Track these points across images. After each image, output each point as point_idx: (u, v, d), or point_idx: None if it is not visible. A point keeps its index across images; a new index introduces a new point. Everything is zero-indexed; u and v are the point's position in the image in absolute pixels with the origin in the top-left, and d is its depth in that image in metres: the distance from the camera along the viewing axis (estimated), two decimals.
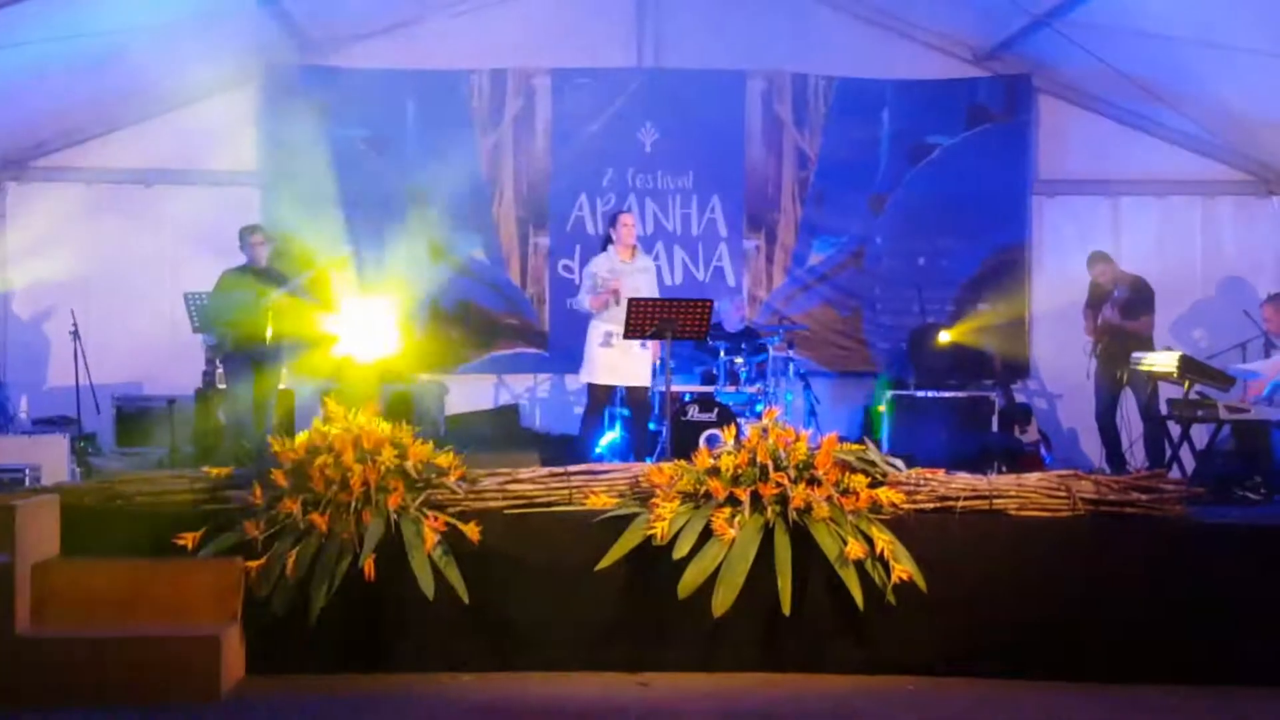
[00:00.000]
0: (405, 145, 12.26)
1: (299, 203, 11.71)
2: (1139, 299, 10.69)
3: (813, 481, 6.27)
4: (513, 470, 6.69)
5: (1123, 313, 10.64)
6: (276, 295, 9.59)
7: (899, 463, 6.66)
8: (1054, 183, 12.58)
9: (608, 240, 9.98)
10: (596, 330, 9.77)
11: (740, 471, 6.32)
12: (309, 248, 11.18)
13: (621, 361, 9.64)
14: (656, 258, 12.19)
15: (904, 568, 6.07)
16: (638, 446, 9.94)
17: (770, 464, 6.29)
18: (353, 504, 6.15)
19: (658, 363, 10.18)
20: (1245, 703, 6.03)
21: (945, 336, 11.93)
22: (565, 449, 10.17)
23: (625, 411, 10.19)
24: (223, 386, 10.57)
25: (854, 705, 5.92)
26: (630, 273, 9.72)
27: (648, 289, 9.64)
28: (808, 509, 6.16)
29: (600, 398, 9.87)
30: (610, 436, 10.39)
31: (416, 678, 6.19)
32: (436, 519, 6.17)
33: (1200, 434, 9.86)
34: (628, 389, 9.82)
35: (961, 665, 6.32)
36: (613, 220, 10.00)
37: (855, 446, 6.58)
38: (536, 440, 11.52)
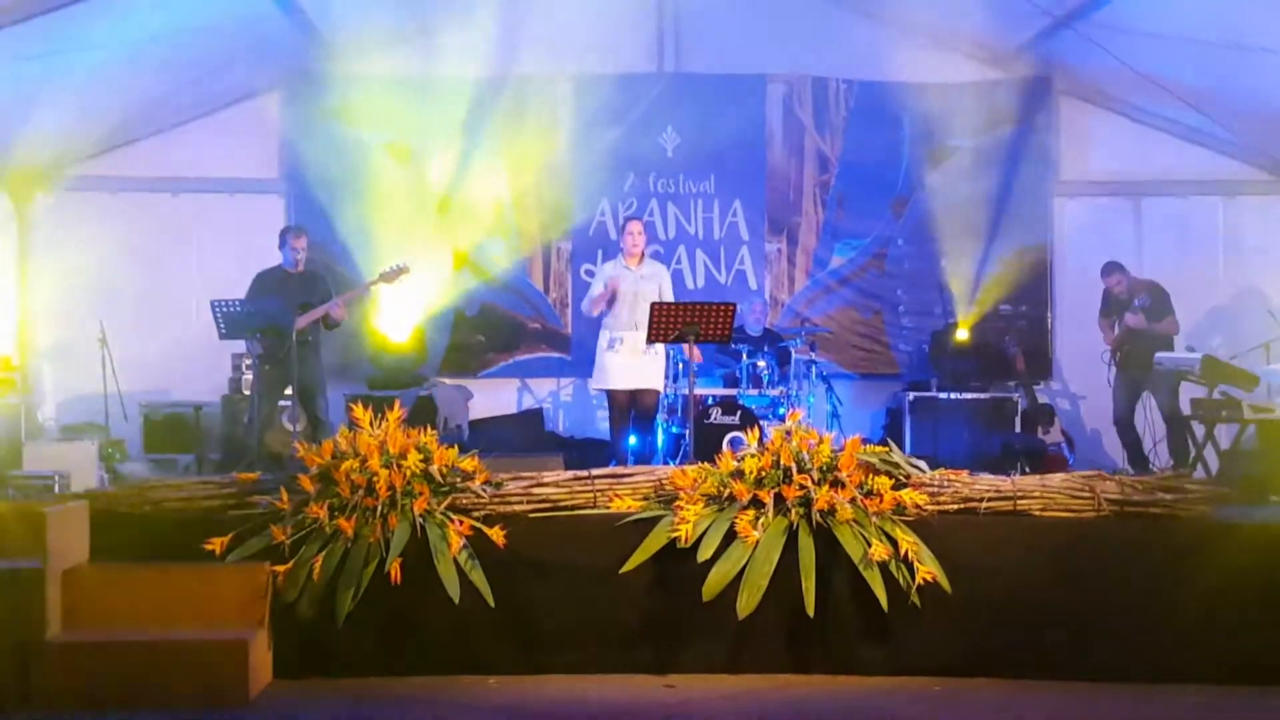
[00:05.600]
0: (427, 151, 12.28)
1: (322, 209, 11.80)
2: (1161, 302, 10.67)
3: (836, 483, 6.29)
4: (537, 474, 6.72)
5: (1148, 316, 10.60)
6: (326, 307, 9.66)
7: (922, 464, 6.67)
8: (1075, 184, 12.55)
9: None
10: (603, 336, 9.77)
11: (764, 474, 6.35)
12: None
13: (629, 365, 9.60)
14: (678, 262, 12.24)
15: (928, 569, 6.09)
16: (649, 450, 9.89)
17: (794, 466, 6.32)
18: (379, 508, 6.20)
19: (681, 366, 10.19)
20: (1275, 701, 6.03)
21: (964, 337, 11.95)
22: (589, 452, 10.18)
23: (633, 414, 10.11)
24: (249, 392, 10.62)
25: (880, 706, 5.94)
26: (632, 279, 9.68)
27: (651, 297, 9.42)
28: (831, 511, 6.19)
29: (617, 402, 9.83)
30: (632, 440, 10.37)
31: (443, 681, 6.23)
32: (462, 523, 6.21)
33: (1224, 434, 9.84)
34: (637, 391, 9.74)
35: (987, 666, 6.33)
36: (623, 226, 9.99)
37: (878, 448, 6.60)
38: (560, 444, 11.56)
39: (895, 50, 12.30)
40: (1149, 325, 10.56)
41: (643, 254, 9.76)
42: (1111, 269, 10.98)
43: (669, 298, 9.64)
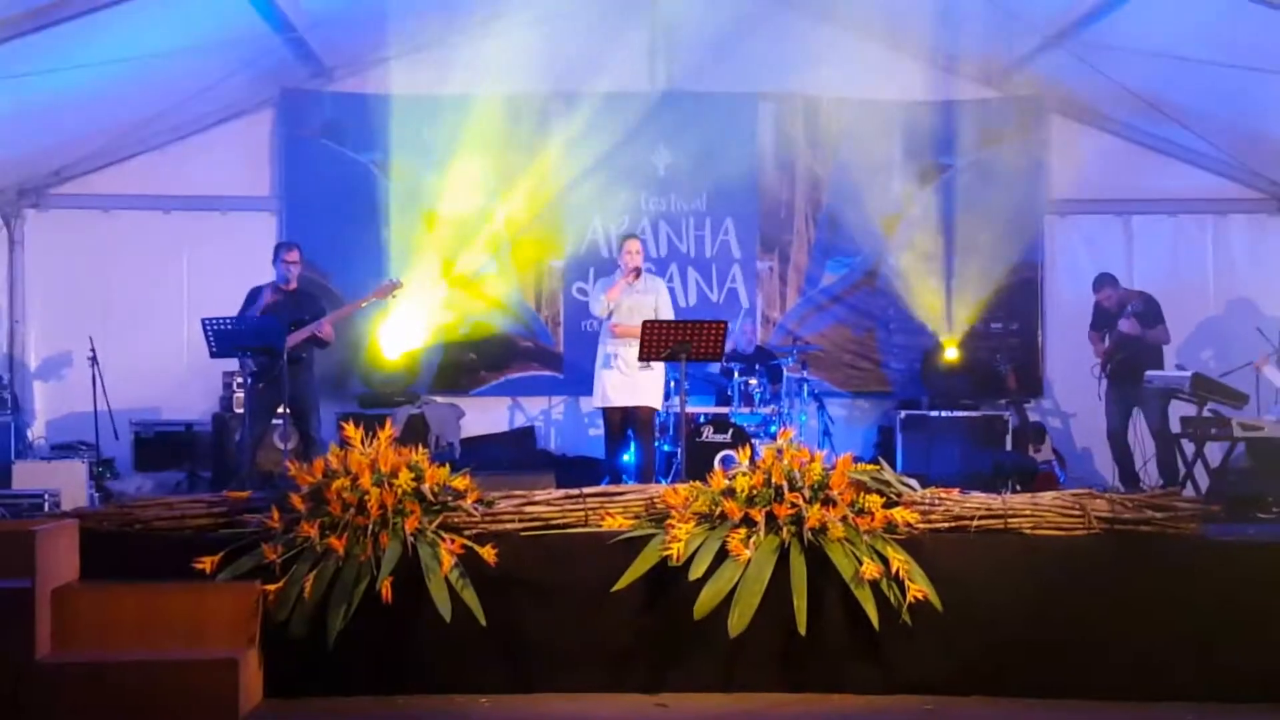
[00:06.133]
0: (420, 169, 12.29)
1: (314, 227, 11.80)
2: (1153, 309, 10.70)
3: (828, 502, 6.29)
4: (528, 492, 6.71)
5: (1142, 322, 10.62)
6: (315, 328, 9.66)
7: (913, 482, 6.67)
8: (1066, 202, 12.60)
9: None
10: (600, 353, 9.75)
11: (755, 492, 6.34)
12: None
13: (625, 382, 9.58)
14: (670, 280, 12.21)
15: (919, 587, 6.08)
16: (644, 467, 9.84)
17: (785, 485, 6.31)
18: (370, 527, 6.17)
19: (673, 385, 10.16)
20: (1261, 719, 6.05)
21: (955, 355, 11.98)
22: (581, 471, 10.16)
23: (629, 431, 10.07)
24: (240, 410, 10.60)
25: None
26: (629, 293, 9.65)
27: (643, 314, 9.37)
28: (823, 529, 6.18)
29: (612, 419, 9.80)
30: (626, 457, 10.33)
31: (434, 700, 6.20)
32: (453, 541, 6.19)
33: (1213, 452, 9.85)
34: (634, 409, 9.70)
35: (978, 684, 6.32)
36: (620, 244, 9.93)
37: (870, 466, 6.60)
38: (552, 462, 11.55)
39: (887, 68, 12.34)
40: (1143, 332, 10.57)
41: (640, 270, 9.71)
42: (1103, 283, 11.00)
43: (667, 314, 9.61)
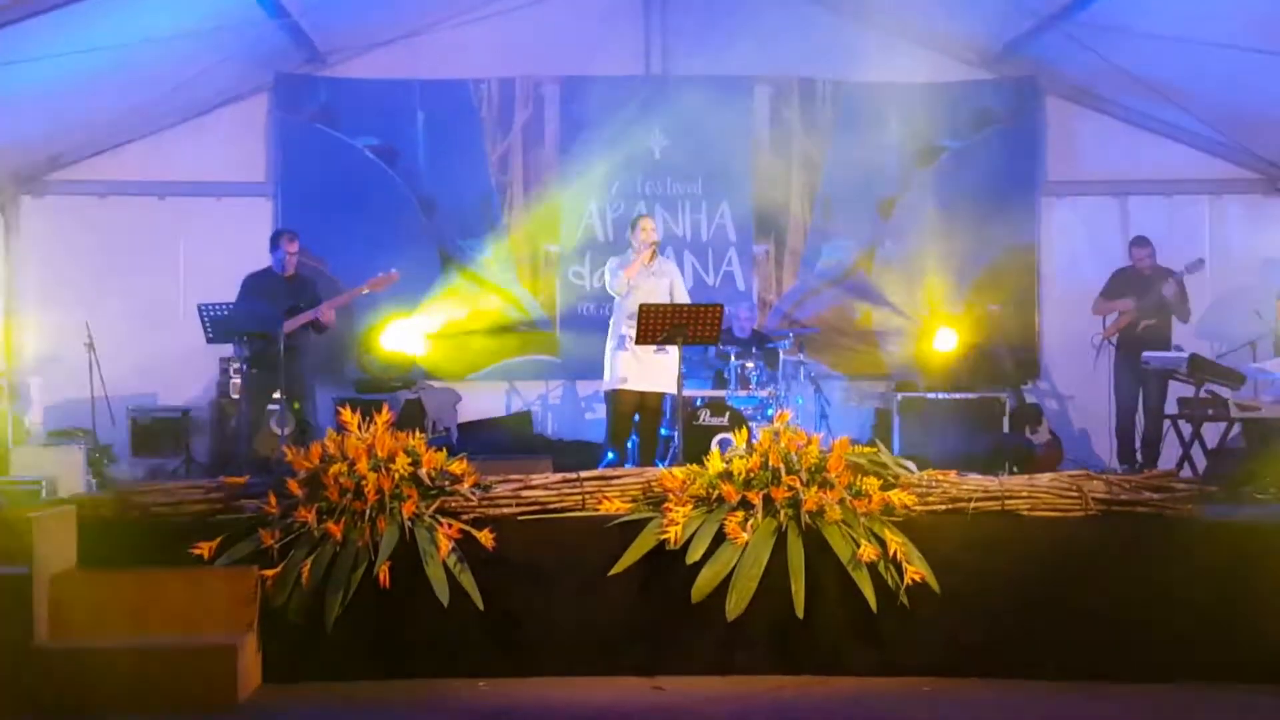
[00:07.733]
0: (415, 154, 12.30)
1: (310, 213, 11.79)
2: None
3: (825, 484, 6.29)
4: (525, 477, 6.70)
5: (1183, 290, 10.62)
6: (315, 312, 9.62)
7: (911, 465, 6.68)
8: (1063, 183, 12.58)
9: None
10: (611, 335, 9.58)
11: (752, 475, 6.35)
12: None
13: (642, 366, 9.34)
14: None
15: (917, 569, 6.09)
16: (644, 452, 9.71)
17: (782, 467, 6.32)
18: (367, 512, 6.18)
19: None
20: (1260, 700, 6.04)
21: (952, 337, 11.94)
22: (578, 455, 10.12)
23: (636, 417, 9.92)
24: (236, 396, 10.59)
25: (870, 707, 5.94)
26: (644, 275, 9.55)
27: (659, 296, 9.29)
28: (820, 512, 6.19)
29: (624, 401, 9.50)
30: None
31: (432, 684, 6.21)
32: (450, 526, 6.20)
33: (1210, 433, 9.86)
34: (647, 394, 9.50)
35: (976, 666, 6.33)
36: (634, 222, 9.74)
37: (867, 449, 6.60)
38: (549, 446, 11.53)
39: (882, 51, 12.26)
40: (1185, 301, 10.57)
41: (654, 251, 9.61)
42: (1144, 242, 10.91)
43: (682, 296, 9.51)
